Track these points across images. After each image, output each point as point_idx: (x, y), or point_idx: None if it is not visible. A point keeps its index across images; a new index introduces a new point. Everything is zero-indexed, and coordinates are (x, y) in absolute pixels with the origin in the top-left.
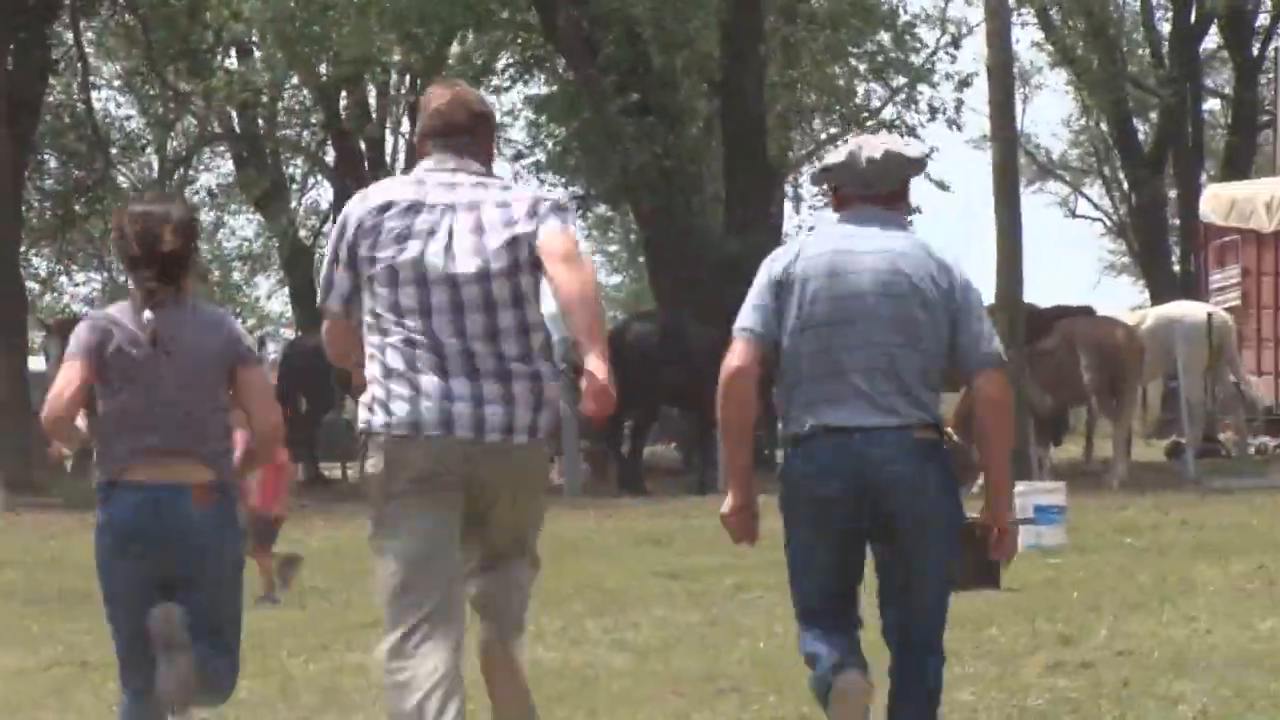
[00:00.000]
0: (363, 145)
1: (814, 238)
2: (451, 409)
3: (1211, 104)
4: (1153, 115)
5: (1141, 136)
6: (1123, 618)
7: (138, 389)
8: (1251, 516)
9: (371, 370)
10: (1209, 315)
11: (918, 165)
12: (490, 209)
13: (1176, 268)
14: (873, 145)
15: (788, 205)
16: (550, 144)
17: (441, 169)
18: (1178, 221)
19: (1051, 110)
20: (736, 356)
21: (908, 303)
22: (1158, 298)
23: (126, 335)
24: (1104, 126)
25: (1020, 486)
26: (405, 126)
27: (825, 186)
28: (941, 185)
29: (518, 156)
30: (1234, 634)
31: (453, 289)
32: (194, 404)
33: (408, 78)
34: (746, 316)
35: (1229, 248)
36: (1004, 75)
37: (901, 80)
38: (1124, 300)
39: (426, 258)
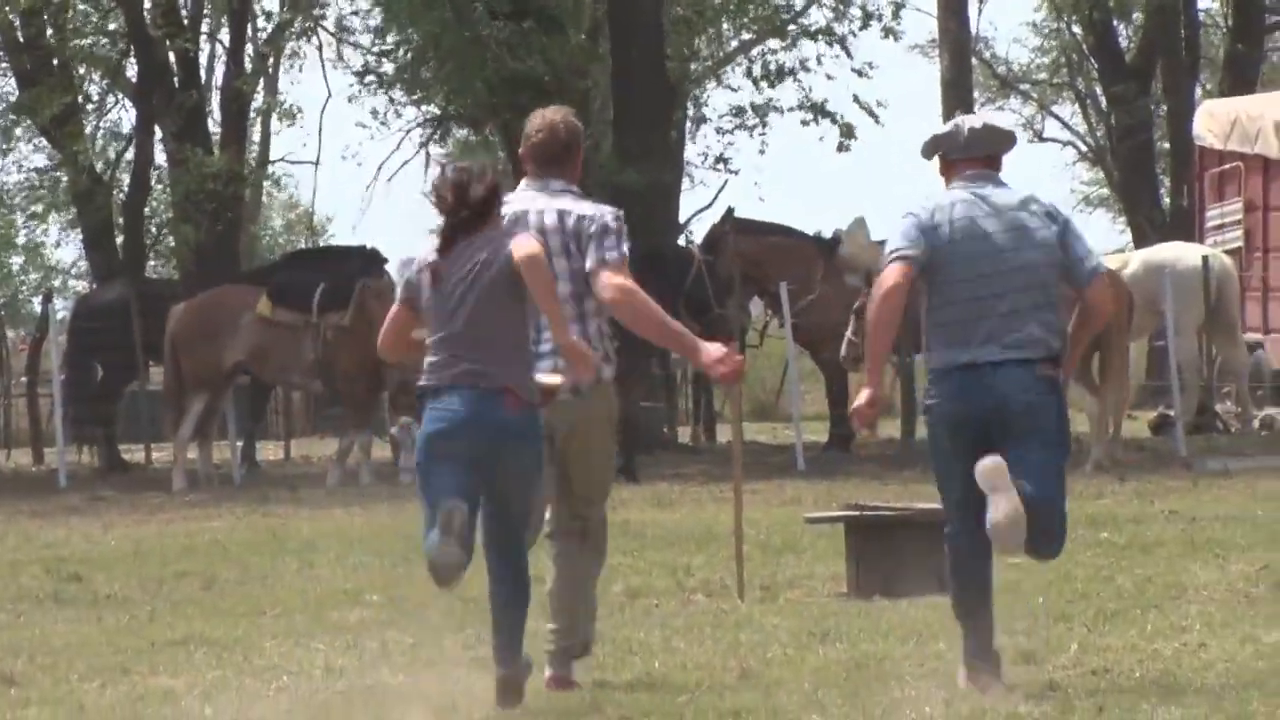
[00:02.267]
0: (172, 58)
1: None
2: None
3: (1208, 2)
4: (1136, 15)
5: (1123, 42)
6: (1097, 629)
7: None
8: (1254, 506)
9: None
10: (1205, 259)
11: (1010, 139)
12: None
13: (1166, 202)
14: (973, 119)
15: (689, 128)
16: (402, 52)
17: None
18: (1167, 146)
19: (1013, 11)
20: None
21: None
22: (1143, 238)
23: None
24: (1077, 30)
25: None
26: (224, 34)
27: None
28: (871, 113)
29: (363, 73)
30: (1233, 648)
31: None
32: None
33: None
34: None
35: (1229, 177)
36: None
37: None
38: (1102, 242)
39: None
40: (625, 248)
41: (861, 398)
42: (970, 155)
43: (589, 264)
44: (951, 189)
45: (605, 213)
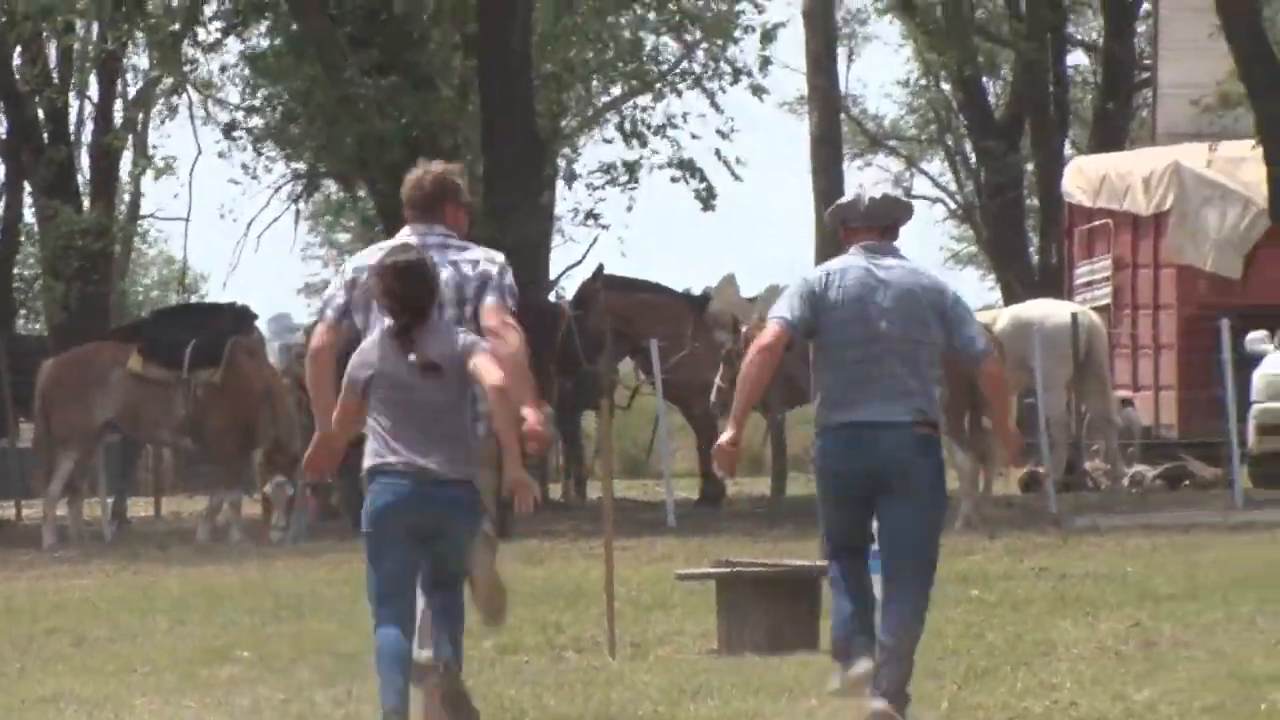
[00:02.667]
0: (40, 113)
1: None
2: None
3: (1077, 59)
4: (1005, 72)
5: (992, 99)
6: (968, 687)
7: None
8: (1125, 563)
9: None
10: (1074, 316)
11: (909, 209)
12: None
13: (1035, 259)
14: (874, 189)
15: (560, 184)
16: (271, 110)
17: None
18: (1036, 202)
19: (882, 69)
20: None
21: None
22: (1012, 295)
23: None
24: (946, 87)
25: None
26: (93, 90)
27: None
28: (731, 170)
29: (230, 128)
30: (1104, 706)
31: None
32: None
33: (95, 30)
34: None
35: (1098, 234)
36: (824, 23)
37: (699, 34)
38: (971, 298)
39: None
40: (507, 288)
41: (724, 438)
42: (870, 224)
43: (477, 311)
44: (849, 256)
45: (492, 262)
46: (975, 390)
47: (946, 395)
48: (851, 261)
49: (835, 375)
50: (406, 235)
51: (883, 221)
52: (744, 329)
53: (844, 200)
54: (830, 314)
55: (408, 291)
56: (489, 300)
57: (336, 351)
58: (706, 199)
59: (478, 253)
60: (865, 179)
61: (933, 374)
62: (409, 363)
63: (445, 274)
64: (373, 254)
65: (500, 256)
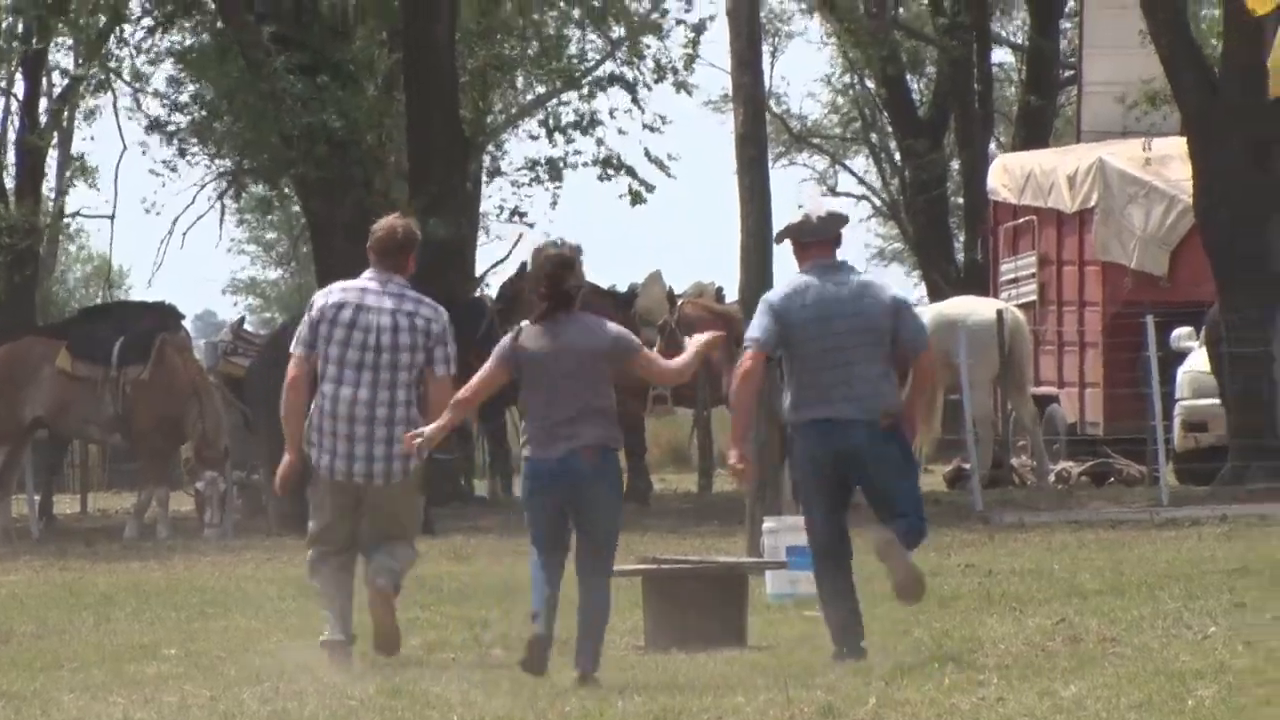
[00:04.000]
0: None
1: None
2: None
3: (1002, 55)
4: (930, 70)
5: (916, 97)
6: (895, 683)
7: None
8: (1051, 559)
9: None
10: (999, 313)
11: (845, 219)
12: None
13: (960, 256)
14: (816, 208)
15: (485, 181)
16: (195, 108)
17: None
18: (961, 200)
19: (805, 67)
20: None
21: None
22: (937, 292)
23: None
24: (870, 85)
25: (769, 523)
26: (19, 89)
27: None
28: (663, 167)
29: (155, 125)
30: (1031, 702)
31: None
32: None
33: (21, 27)
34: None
35: (1023, 231)
36: (748, 21)
37: (622, 30)
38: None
39: None
40: (451, 355)
41: (732, 458)
42: (821, 238)
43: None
44: (806, 273)
45: (438, 322)
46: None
47: None
48: (810, 280)
49: (808, 377)
50: (368, 279)
51: (831, 233)
52: (669, 319)
53: (793, 221)
54: (798, 326)
55: (557, 279)
56: (439, 371)
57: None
58: (637, 195)
59: (426, 309)
60: (805, 198)
61: (890, 365)
62: (554, 344)
63: (401, 323)
64: (334, 292)
65: (445, 315)
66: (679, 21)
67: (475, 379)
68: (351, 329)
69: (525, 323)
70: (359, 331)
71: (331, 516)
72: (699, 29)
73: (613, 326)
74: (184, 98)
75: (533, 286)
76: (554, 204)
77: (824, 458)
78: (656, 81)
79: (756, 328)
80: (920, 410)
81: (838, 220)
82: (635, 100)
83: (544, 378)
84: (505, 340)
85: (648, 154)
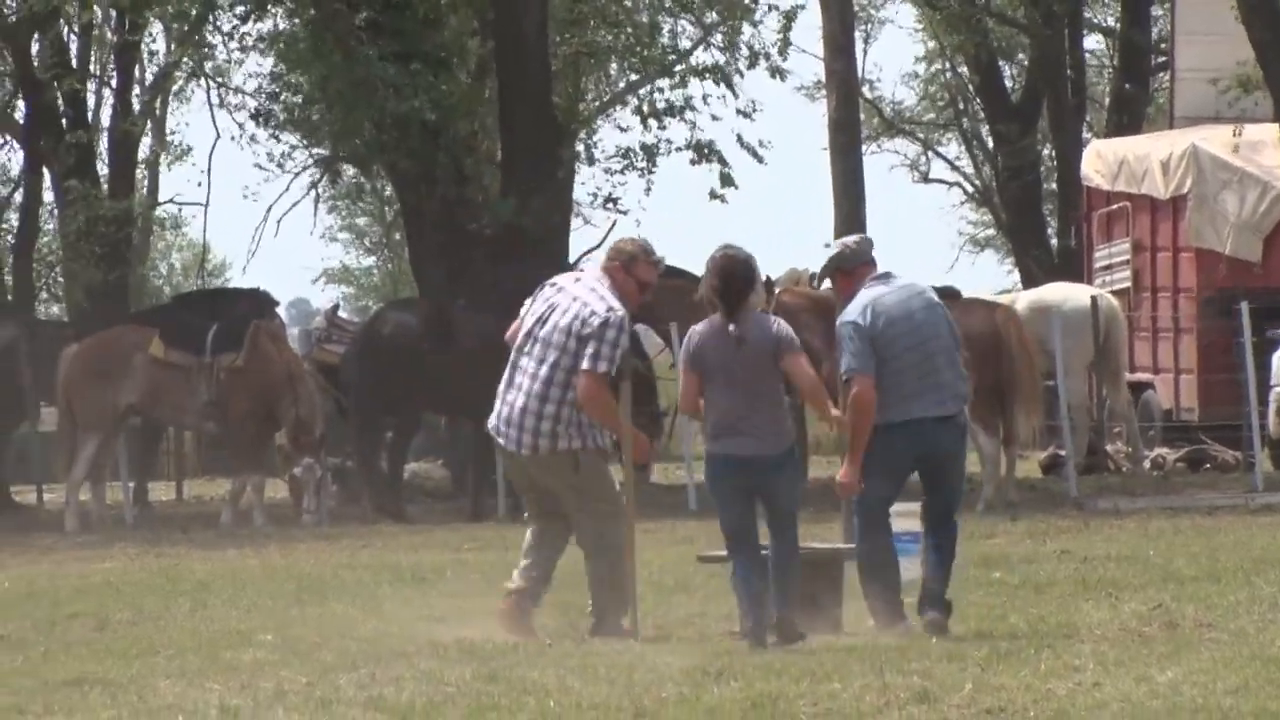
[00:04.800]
0: (60, 100)
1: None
2: None
3: (1094, 42)
4: (1022, 57)
5: (1009, 83)
6: (991, 669)
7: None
8: (1147, 545)
9: None
10: (1093, 300)
11: (872, 244)
12: None
13: (1054, 242)
14: (846, 239)
15: (578, 168)
16: (289, 96)
17: None
18: (1054, 187)
19: (898, 54)
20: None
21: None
22: (1031, 279)
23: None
24: (963, 71)
25: None
26: (112, 77)
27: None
28: (754, 153)
29: (254, 115)
30: (1127, 688)
31: None
32: None
33: (114, 16)
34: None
35: (1117, 217)
36: (841, 5)
37: (715, 16)
38: (989, 282)
39: None
40: (604, 354)
41: (843, 473)
42: (863, 261)
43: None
44: (870, 288)
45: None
46: (999, 374)
47: (972, 381)
48: (879, 290)
49: (899, 378)
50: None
51: (869, 255)
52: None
53: (832, 254)
54: (884, 333)
55: (733, 279)
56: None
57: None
58: (725, 183)
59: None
60: (830, 240)
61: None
62: (731, 338)
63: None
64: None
65: (612, 313)
66: (771, 7)
67: (683, 391)
68: None
69: (697, 326)
70: None
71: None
72: (791, 14)
73: (781, 325)
74: (276, 87)
75: (708, 286)
76: (648, 190)
77: (906, 456)
78: (750, 67)
79: (854, 354)
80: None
81: (869, 242)
82: (730, 86)
83: (723, 374)
84: (687, 346)
85: (740, 140)
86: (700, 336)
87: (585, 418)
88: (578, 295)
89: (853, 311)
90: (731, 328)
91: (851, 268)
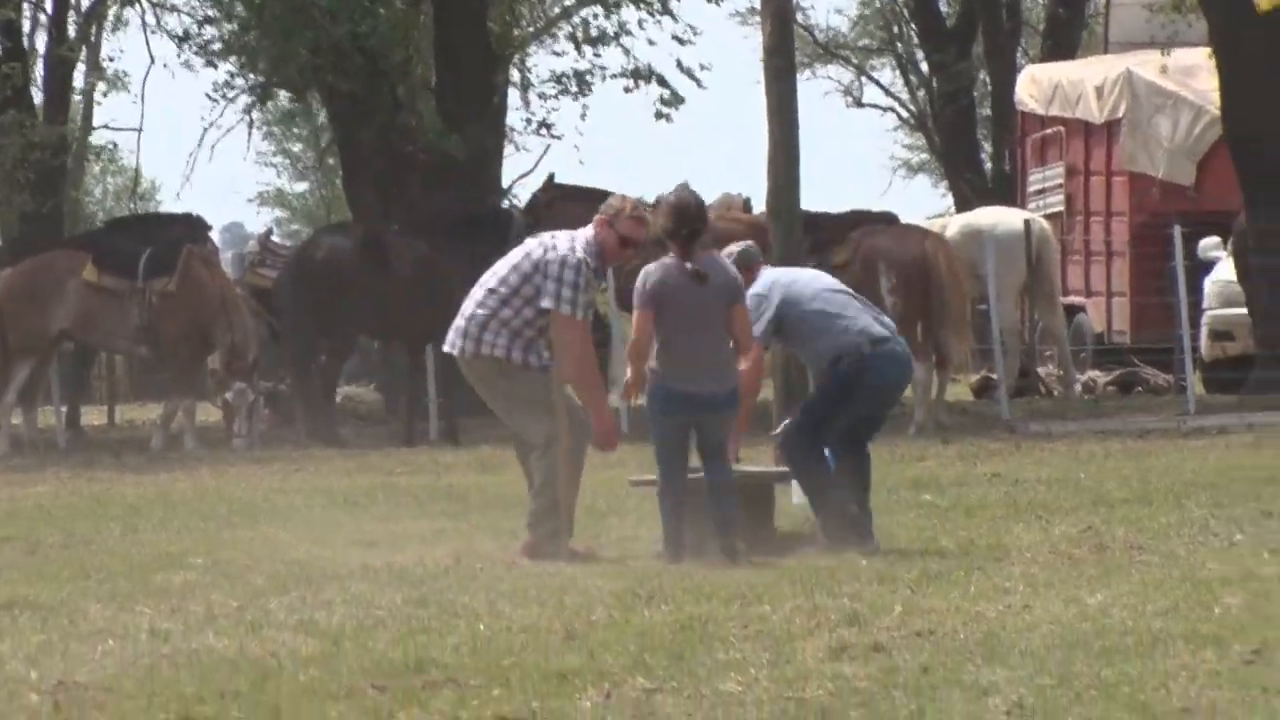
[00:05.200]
0: None
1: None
2: None
3: None
4: None
5: (944, 7)
6: (921, 591)
7: None
8: (1078, 468)
9: None
10: (1026, 223)
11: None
12: None
13: (988, 167)
14: (731, 247)
15: (514, 94)
16: (224, 22)
17: None
18: (989, 111)
19: None
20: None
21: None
22: (964, 203)
23: None
24: None
25: None
26: (47, 4)
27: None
28: (694, 77)
29: (184, 38)
30: (1057, 610)
31: None
32: None
33: None
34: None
35: (1051, 142)
36: None
37: None
38: (923, 207)
39: None
40: (565, 296)
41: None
42: (760, 261)
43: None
44: (770, 270)
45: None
46: (927, 300)
47: (900, 305)
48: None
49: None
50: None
51: (760, 258)
52: None
53: (742, 251)
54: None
55: (688, 220)
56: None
57: None
58: (669, 101)
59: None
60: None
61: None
62: (691, 277)
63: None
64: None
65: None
66: None
67: (638, 329)
68: None
69: (650, 266)
70: None
71: None
72: None
73: (734, 270)
74: (213, 12)
75: (662, 228)
76: (583, 116)
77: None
78: None
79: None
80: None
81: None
82: (667, 9)
83: (683, 313)
84: (641, 286)
85: (679, 64)
86: (658, 275)
87: (524, 340)
88: (554, 236)
89: (762, 284)
90: (689, 265)
91: (755, 264)
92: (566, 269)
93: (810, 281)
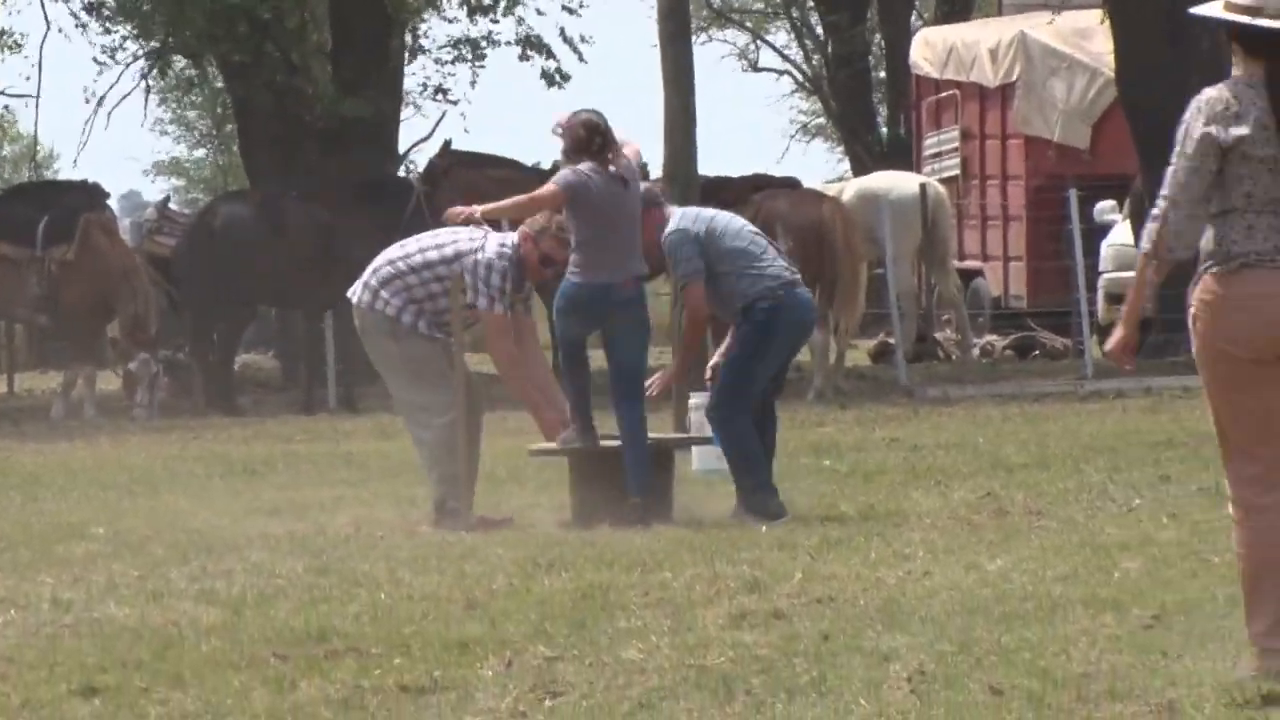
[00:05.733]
0: None
1: None
2: None
3: None
4: None
5: None
6: (821, 557)
7: None
8: (976, 433)
9: None
10: (922, 187)
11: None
12: None
13: (883, 130)
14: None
15: (408, 58)
16: None
17: None
18: (884, 75)
19: None
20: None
21: None
22: (860, 167)
23: None
24: None
25: (694, 399)
26: None
27: None
28: (576, 50)
29: (86, 8)
30: (957, 576)
31: None
32: None
33: None
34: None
35: (946, 105)
36: None
37: None
38: (820, 171)
39: None
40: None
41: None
42: (663, 203)
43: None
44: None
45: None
46: (822, 265)
47: (797, 268)
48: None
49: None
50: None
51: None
52: None
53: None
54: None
55: (598, 132)
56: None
57: None
58: (555, 77)
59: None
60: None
61: None
62: (616, 179)
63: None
64: None
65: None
66: None
67: (530, 196)
68: None
69: (578, 167)
70: None
71: None
72: None
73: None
74: None
75: (574, 142)
76: (473, 83)
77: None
78: None
79: (687, 260)
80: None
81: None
82: None
83: (607, 212)
84: (568, 173)
85: (563, 35)
86: (587, 175)
87: (418, 307)
88: (485, 235)
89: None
90: (613, 169)
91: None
92: (494, 273)
93: (729, 220)
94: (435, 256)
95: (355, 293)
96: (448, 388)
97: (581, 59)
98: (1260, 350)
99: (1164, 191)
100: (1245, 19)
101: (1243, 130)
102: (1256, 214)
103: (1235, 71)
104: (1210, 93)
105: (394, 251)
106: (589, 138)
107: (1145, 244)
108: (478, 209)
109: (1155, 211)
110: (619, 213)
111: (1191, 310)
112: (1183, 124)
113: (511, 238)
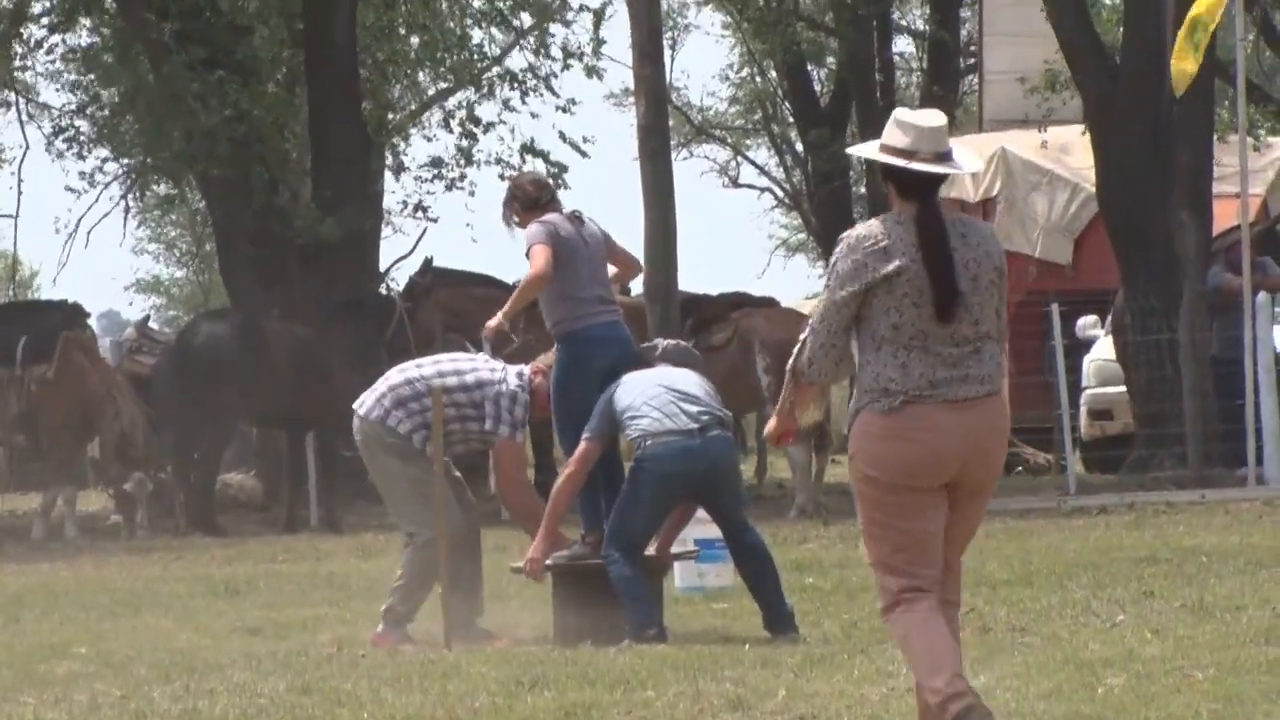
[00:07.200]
0: None
1: None
2: None
3: (903, 44)
4: (831, 61)
5: (817, 87)
6: (804, 675)
7: None
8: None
9: None
10: None
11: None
12: None
13: None
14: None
15: (389, 177)
16: (98, 109)
17: None
18: (864, 190)
19: (704, 60)
20: None
21: None
22: None
23: None
24: (772, 76)
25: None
26: None
27: None
28: (579, 149)
29: (57, 131)
30: None
31: None
32: None
33: None
34: None
35: None
36: (648, 12)
37: (527, 19)
38: (801, 286)
39: None
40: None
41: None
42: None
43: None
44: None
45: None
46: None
47: (775, 385)
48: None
49: None
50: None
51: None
52: None
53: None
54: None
55: (544, 183)
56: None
57: None
58: (558, 175)
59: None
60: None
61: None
62: (583, 232)
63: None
64: None
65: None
66: (582, 7)
67: (529, 275)
68: None
69: (547, 218)
70: None
71: None
72: (601, 12)
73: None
74: (86, 98)
75: (525, 199)
76: (472, 193)
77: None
78: (565, 69)
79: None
80: None
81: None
82: (549, 86)
83: (576, 253)
84: (534, 226)
85: (562, 136)
86: (552, 222)
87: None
88: (505, 368)
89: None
90: (570, 210)
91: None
92: (517, 405)
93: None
94: (455, 383)
95: (364, 405)
96: (447, 511)
97: (585, 155)
98: (924, 479)
99: (811, 320)
100: (900, 161)
101: (891, 266)
102: (906, 349)
103: (892, 209)
104: (860, 229)
105: (412, 372)
106: (538, 193)
107: (790, 360)
108: (504, 321)
109: (803, 335)
110: (585, 247)
111: (850, 449)
112: (833, 258)
113: (526, 370)
